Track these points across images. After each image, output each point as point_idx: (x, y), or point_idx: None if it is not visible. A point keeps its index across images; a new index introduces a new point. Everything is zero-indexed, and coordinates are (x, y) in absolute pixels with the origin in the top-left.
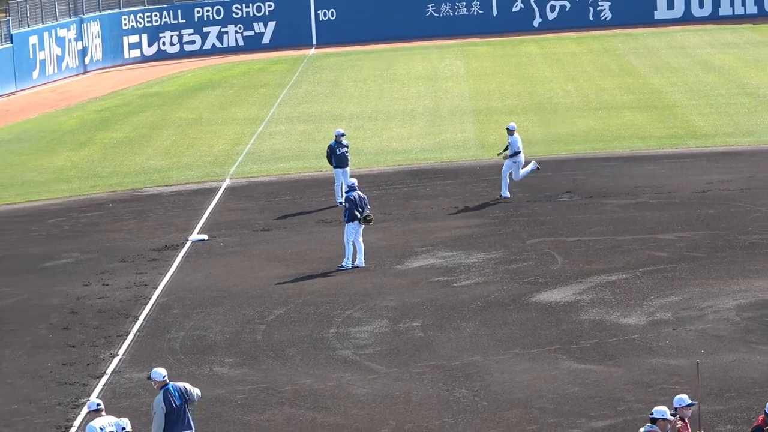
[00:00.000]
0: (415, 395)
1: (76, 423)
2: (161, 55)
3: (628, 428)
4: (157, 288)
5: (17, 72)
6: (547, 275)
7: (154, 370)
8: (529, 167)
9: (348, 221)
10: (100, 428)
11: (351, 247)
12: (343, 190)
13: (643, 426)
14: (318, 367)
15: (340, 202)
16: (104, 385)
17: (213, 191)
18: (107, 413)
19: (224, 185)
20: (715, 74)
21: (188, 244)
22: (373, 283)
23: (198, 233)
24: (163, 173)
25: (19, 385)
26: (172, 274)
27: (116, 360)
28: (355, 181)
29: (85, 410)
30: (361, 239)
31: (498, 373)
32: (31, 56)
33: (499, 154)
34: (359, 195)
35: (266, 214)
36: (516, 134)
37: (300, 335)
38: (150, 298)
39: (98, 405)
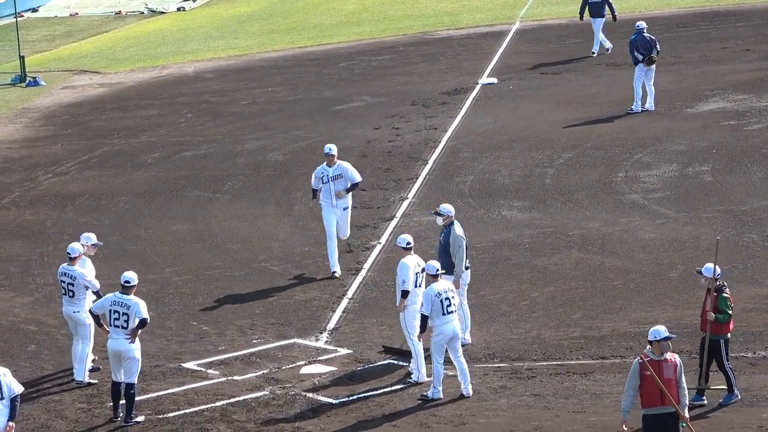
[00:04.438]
0: (704, 240)
1: (367, 265)
2: None
3: None
4: (446, 131)
5: None
6: None
7: (444, 205)
8: None
9: (634, 64)
10: (413, 266)
11: (640, 91)
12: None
13: None
14: (606, 211)
15: (594, 53)
16: (394, 227)
17: (503, 34)
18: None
19: (514, 28)
20: None
21: (478, 87)
22: (663, 127)
23: (488, 76)
24: (454, 16)
25: (310, 227)
26: (462, 118)
27: (406, 203)
28: (643, 24)
29: (375, 252)
30: (652, 83)
31: None
32: None
33: None
34: (643, 37)
35: (556, 57)
36: None
37: (588, 179)
38: (440, 142)
39: (408, 243)
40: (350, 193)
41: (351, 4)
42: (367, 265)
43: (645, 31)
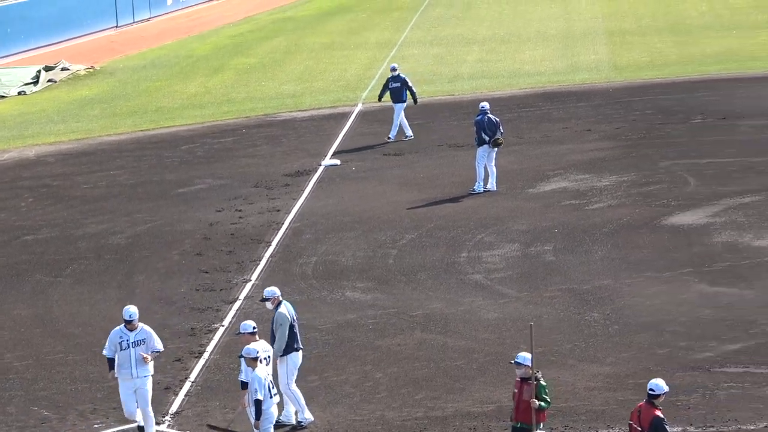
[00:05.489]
0: (546, 319)
1: (209, 348)
2: None
3: (760, 351)
4: (289, 213)
5: None
6: (679, 198)
7: (267, 288)
8: None
9: (478, 145)
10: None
11: (482, 171)
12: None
13: None
14: (449, 292)
15: (390, 138)
16: (237, 310)
17: (345, 116)
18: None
19: (356, 110)
20: None
21: (321, 168)
22: (505, 207)
23: (330, 158)
24: (296, 98)
25: (153, 310)
26: (305, 199)
27: (249, 285)
28: (487, 104)
29: (218, 335)
30: (494, 163)
31: (629, 296)
32: None
33: None
34: (489, 119)
35: (398, 138)
36: None
37: (431, 259)
38: (282, 224)
39: (254, 328)
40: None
41: (193, 87)
42: (209, 348)
43: (489, 111)
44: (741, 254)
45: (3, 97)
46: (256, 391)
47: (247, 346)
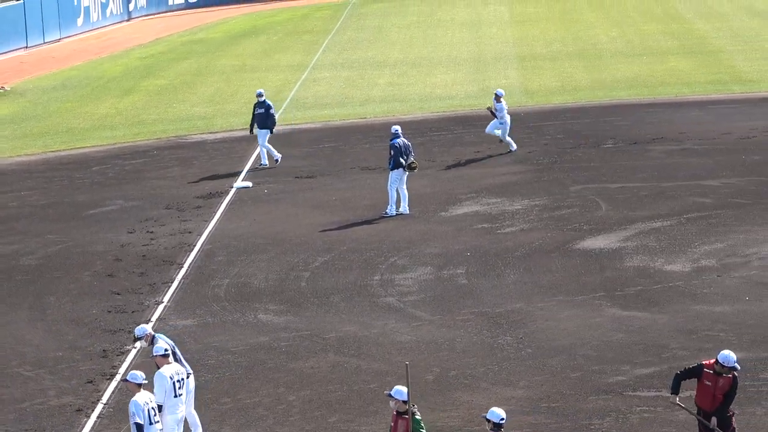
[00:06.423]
0: (459, 342)
1: (121, 370)
2: (206, 2)
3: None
4: (201, 235)
5: (62, 19)
6: (591, 222)
7: (137, 327)
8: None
9: (392, 168)
10: (170, 377)
11: (395, 194)
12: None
13: None
14: (362, 315)
15: (263, 165)
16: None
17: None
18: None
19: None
20: (760, 19)
21: (233, 191)
22: (418, 230)
23: (242, 180)
24: (207, 120)
25: (64, 332)
26: (217, 222)
27: (161, 307)
28: (398, 128)
29: (130, 357)
30: (405, 186)
31: (542, 320)
32: (76, 3)
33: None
34: (403, 142)
35: (310, 161)
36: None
37: (344, 282)
38: (194, 246)
39: (166, 350)
40: None
41: (104, 108)
42: (121, 370)
43: (401, 134)
44: (653, 279)
45: None
46: (134, 415)
47: (132, 371)
